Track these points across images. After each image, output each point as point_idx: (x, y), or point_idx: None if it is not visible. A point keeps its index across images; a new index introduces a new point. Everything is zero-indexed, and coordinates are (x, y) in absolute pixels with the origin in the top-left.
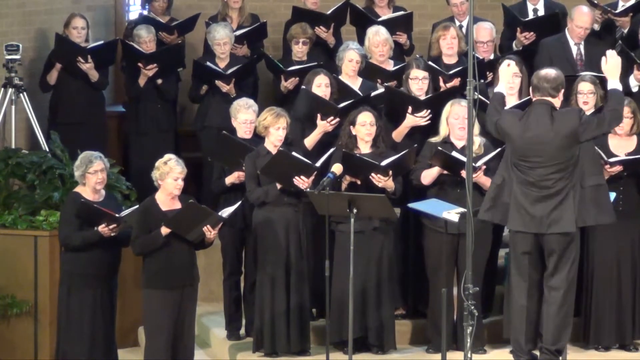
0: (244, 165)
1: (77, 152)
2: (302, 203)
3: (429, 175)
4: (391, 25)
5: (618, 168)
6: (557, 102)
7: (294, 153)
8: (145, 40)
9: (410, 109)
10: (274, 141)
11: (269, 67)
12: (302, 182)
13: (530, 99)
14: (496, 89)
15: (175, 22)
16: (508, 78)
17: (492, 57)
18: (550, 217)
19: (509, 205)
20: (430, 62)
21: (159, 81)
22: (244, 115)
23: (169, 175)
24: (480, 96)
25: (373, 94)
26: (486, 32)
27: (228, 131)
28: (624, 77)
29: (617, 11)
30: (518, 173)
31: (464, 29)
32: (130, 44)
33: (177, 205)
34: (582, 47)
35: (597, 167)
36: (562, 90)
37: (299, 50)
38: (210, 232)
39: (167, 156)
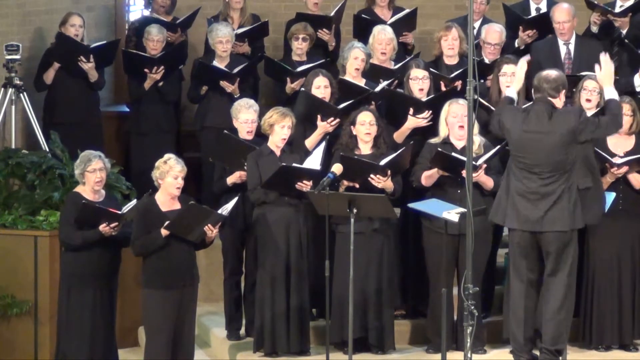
0: (245, 165)
1: (77, 152)
2: (302, 203)
3: (429, 177)
4: (397, 27)
5: (625, 169)
6: (558, 102)
7: (294, 164)
8: (154, 39)
9: (411, 110)
10: (277, 141)
11: (269, 72)
12: (305, 186)
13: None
14: (508, 91)
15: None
16: (522, 79)
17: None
18: (545, 217)
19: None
20: (431, 69)
21: (160, 83)
22: (245, 115)
23: (169, 173)
24: (480, 99)
25: (377, 88)
26: (496, 35)
27: (228, 131)
28: (629, 76)
29: (615, 11)
30: (517, 169)
31: (476, 31)
32: (133, 52)
33: (177, 205)
34: (571, 46)
35: (586, 170)
36: (564, 91)
37: (299, 47)
38: (211, 231)
39: (166, 155)
